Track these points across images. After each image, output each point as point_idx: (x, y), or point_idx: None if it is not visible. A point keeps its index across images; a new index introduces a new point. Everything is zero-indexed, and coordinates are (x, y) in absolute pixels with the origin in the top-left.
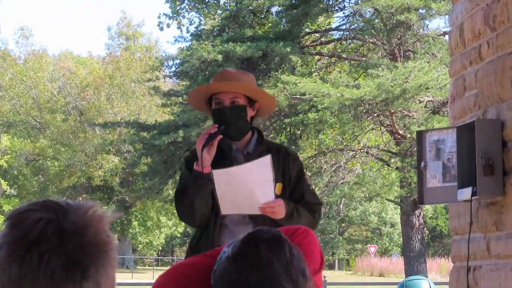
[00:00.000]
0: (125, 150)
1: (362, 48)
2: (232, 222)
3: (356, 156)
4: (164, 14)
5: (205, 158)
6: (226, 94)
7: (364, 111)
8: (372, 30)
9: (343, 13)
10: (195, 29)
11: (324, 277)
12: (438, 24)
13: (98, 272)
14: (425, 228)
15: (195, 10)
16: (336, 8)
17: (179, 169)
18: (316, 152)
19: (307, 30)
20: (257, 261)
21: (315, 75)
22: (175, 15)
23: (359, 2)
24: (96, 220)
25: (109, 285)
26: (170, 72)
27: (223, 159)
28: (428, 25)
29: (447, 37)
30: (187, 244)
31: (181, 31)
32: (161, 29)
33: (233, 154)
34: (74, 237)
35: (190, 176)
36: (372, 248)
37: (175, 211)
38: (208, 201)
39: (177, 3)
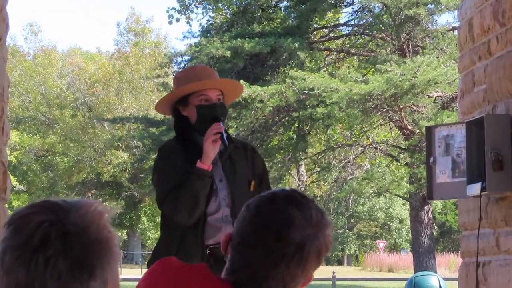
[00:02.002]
0: (134, 146)
1: (370, 43)
2: (215, 220)
3: (365, 152)
4: (173, 8)
5: (212, 157)
6: (213, 91)
7: (372, 106)
8: (381, 26)
9: (352, 8)
10: (207, 22)
11: (333, 272)
12: (447, 19)
13: (104, 270)
14: (434, 224)
15: (204, 4)
16: (345, 3)
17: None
18: (325, 148)
19: (316, 25)
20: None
21: (324, 71)
22: (184, 9)
23: None
24: (97, 218)
25: (115, 280)
26: (179, 68)
27: (199, 155)
28: (437, 20)
29: (456, 32)
30: (155, 246)
31: (190, 25)
32: (170, 23)
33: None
34: (78, 238)
35: (192, 174)
36: (381, 244)
37: None
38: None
39: None
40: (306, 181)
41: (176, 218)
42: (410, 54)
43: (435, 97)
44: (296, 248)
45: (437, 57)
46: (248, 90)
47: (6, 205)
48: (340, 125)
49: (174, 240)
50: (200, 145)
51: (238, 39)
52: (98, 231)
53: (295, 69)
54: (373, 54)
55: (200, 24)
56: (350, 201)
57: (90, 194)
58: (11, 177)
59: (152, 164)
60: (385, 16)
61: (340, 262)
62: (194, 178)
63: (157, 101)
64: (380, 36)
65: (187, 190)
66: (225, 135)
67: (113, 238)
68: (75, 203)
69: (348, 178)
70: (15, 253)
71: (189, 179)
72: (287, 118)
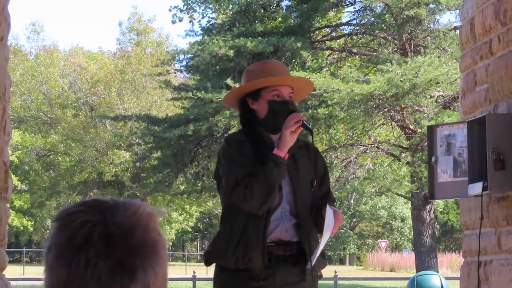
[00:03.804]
0: (135, 143)
1: (372, 43)
2: (274, 217)
3: (367, 151)
4: (175, 7)
5: (290, 145)
6: (286, 87)
7: (374, 106)
8: (383, 25)
9: (354, 7)
10: (207, 23)
11: (335, 272)
12: (449, 18)
13: (147, 273)
14: (436, 223)
15: (207, 3)
16: (347, 2)
17: (189, 162)
18: (326, 147)
19: (318, 25)
20: None
21: (326, 70)
22: (187, 9)
23: None
24: (145, 220)
25: (159, 285)
26: (181, 67)
27: (266, 150)
28: (438, 19)
29: (457, 31)
30: (214, 237)
31: (193, 24)
32: (173, 22)
33: (274, 146)
34: (121, 241)
35: (269, 161)
36: (383, 243)
37: (186, 205)
38: None
39: None
40: None
41: (246, 206)
42: (412, 53)
43: (437, 96)
44: None
45: (438, 57)
46: None
47: (8, 205)
48: (342, 125)
49: (234, 234)
50: (266, 140)
51: (241, 38)
52: (144, 234)
53: (296, 68)
54: (375, 53)
55: (201, 25)
56: (352, 201)
57: (92, 194)
58: (13, 176)
59: (153, 162)
60: (387, 15)
61: (342, 262)
62: (271, 165)
63: (159, 100)
64: (382, 35)
65: (264, 176)
66: (306, 124)
67: (160, 241)
68: (124, 203)
69: (349, 178)
70: (58, 250)
71: (266, 166)
72: None
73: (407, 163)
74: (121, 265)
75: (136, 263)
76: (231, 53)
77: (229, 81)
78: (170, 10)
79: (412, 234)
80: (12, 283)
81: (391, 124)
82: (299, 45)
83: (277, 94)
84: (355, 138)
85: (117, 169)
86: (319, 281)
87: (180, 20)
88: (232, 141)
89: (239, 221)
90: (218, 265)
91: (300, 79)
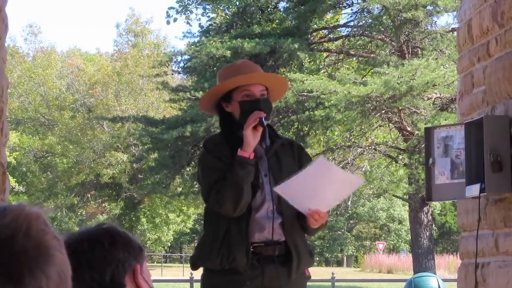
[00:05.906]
0: (132, 145)
1: (370, 44)
2: (260, 216)
3: (364, 153)
4: (171, 7)
5: (252, 144)
6: (257, 86)
7: (371, 108)
8: (380, 27)
9: (351, 9)
10: (206, 22)
11: (333, 273)
12: (447, 20)
13: (36, 278)
14: (434, 225)
15: (204, 5)
16: (344, 4)
17: (187, 163)
18: (324, 149)
19: (315, 26)
20: None
21: (323, 72)
22: (183, 10)
23: None
24: (25, 225)
25: (55, 284)
26: (178, 68)
27: None
28: (436, 21)
29: (455, 33)
30: (199, 241)
31: (191, 25)
32: (168, 22)
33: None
34: (1, 251)
35: (235, 163)
36: (380, 245)
37: (183, 207)
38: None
39: None
40: None
41: (222, 210)
42: (409, 55)
43: (434, 98)
44: None
45: (436, 59)
46: None
47: None
48: (340, 127)
49: (218, 236)
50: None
51: (238, 39)
52: (26, 239)
53: (294, 70)
54: (372, 55)
55: (200, 24)
56: (349, 202)
57: (89, 195)
58: (10, 178)
59: (151, 164)
60: (385, 17)
61: (339, 263)
62: (236, 166)
63: (156, 102)
64: (379, 37)
65: (230, 180)
66: (265, 122)
67: (46, 242)
68: (1, 210)
69: None
70: None
71: (232, 169)
72: (286, 120)
73: (405, 165)
74: (4, 275)
75: (22, 270)
76: (228, 54)
77: None
78: (167, 11)
79: (409, 236)
80: None
81: (388, 126)
82: (296, 46)
83: (247, 94)
84: (352, 140)
85: (114, 171)
86: (317, 283)
87: (175, 20)
88: (209, 144)
89: (222, 223)
90: (205, 268)
91: (271, 76)
